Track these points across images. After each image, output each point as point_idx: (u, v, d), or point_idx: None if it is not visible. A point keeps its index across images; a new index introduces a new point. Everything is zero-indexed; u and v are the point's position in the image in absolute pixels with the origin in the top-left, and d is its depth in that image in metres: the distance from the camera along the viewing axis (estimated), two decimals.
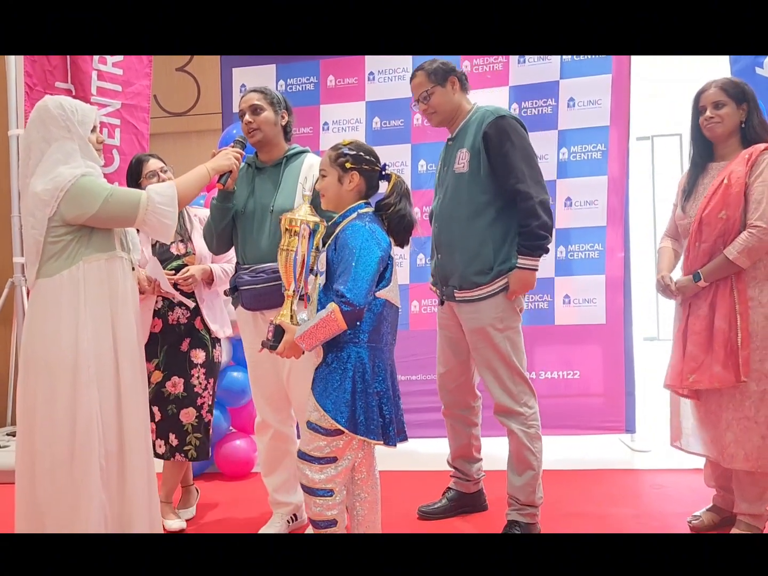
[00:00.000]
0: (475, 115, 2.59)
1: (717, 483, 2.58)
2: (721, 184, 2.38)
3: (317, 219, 2.04)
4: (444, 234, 2.62)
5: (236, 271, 2.62)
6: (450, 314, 2.70)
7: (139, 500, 2.18)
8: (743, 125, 2.42)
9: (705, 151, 2.50)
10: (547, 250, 2.52)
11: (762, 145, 2.37)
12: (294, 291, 2.05)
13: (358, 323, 1.97)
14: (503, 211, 2.51)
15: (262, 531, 2.67)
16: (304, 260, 2.02)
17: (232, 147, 2.50)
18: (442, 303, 2.73)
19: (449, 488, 2.90)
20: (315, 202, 2.24)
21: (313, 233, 2.03)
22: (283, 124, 2.61)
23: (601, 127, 3.90)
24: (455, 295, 2.59)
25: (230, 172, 2.47)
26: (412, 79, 2.64)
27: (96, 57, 3.86)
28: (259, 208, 2.55)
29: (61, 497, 2.07)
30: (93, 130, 2.23)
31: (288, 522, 2.72)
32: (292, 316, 2.04)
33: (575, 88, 3.90)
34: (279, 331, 2.03)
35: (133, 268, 2.31)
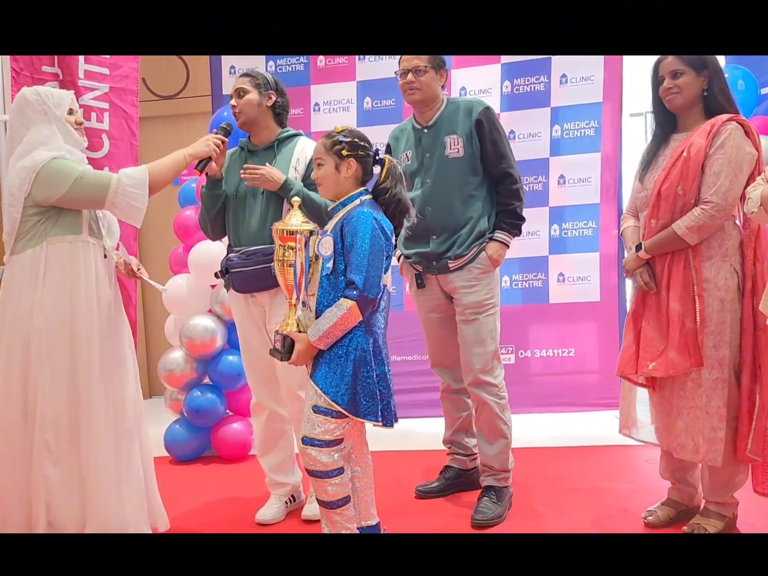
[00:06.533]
0: (454, 105, 2.69)
1: (672, 475, 2.45)
2: (680, 156, 2.22)
3: (311, 226, 2.03)
4: (441, 217, 2.65)
5: (227, 254, 2.62)
6: (436, 290, 2.75)
7: (99, 473, 2.23)
8: (705, 94, 2.24)
9: (667, 122, 2.35)
10: (521, 231, 2.73)
11: (725, 116, 2.20)
12: (296, 300, 2.05)
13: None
14: (489, 188, 2.70)
15: (260, 513, 2.68)
16: (302, 269, 2.01)
17: (215, 134, 2.50)
18: (422, 285, 2.75)
19: (447, 466, 2.93)
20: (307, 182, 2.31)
21: (307, 240, 2.02)
22: (269, 104, 2.58)
23: (594, 103, 3.88)
24: (449, 265, 2.65)
25: (209, 158, 2.46)
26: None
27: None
28: (250, 191, 2.54)
29: (3, 466, 2.21)
30: (71, 114, 2.32)
31: (286, 503, 2.73)
32: (297, 324, 2.04)
33: (568, 64, 3.87)
34: (289, 342, 2.03)
35: (105, 255, 2.34)
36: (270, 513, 2.68)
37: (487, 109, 2.66)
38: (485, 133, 2.62)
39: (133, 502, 2.32)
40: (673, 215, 2.24)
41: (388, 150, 2.82)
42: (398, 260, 2.85)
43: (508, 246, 2.68)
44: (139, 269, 2.51)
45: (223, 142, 2.48)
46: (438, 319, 2.80)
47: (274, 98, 2.59)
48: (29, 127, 2.25)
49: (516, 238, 2.73)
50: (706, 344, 2.19)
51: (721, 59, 3.80)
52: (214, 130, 2.55)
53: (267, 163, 2.51)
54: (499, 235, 2.66)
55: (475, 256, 2.64)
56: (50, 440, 2.18)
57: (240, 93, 2.56)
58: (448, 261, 2.65)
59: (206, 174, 2.56)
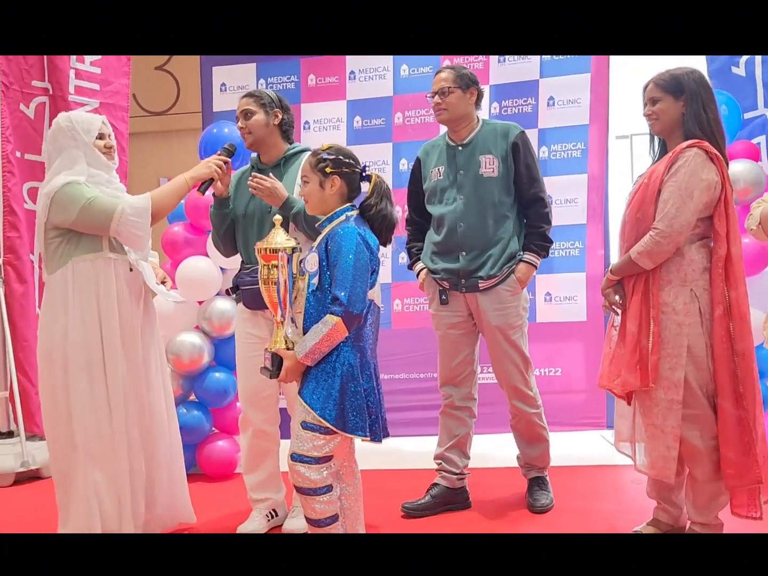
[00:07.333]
0: (490, 126, 2.79)
1: (658, 495, 2.44)
2: (643, 182, 2.30)
3: (293, 243, 2.05)
4: (473, 234, 2.72)
5: (240, 270, 2.65)
6: (461, 307, 2.79)
7: (121, 485, 2.38)
8: (685, 119, 2.28)
9: (662, 145, 2.40)
10: (548, 253, 2.81)
11: (685, 143, 2.23)
12: (282, 318, 2.06)
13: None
14: (520, 210, 2.79)
15: (241, 527, 2.65)
16: (286, 287, 2.03)
17: (218, 155, 2.53)
18: (446, 301, 2.78)
19: (434, 484, 2.90)
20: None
21: (290, 257, 2.04)
22: (276, 123, 2.60)
23: (580, 125, 3.94)
24: (479, 285, 2.71)
25: (211, 180, 2.49)
26: (439, 72, 2.76)
27: (74, 56, 3.80)
28: (258, 210, 2.56)
29: (57, 477, 2.38)
30: (101, 138, 2.43)
31: (267, 517, 2.70)
32: (285, 342, 2.06)
33: (555, 86, 3.93)
34: (277, 359, 2.05)
35: (131, 269, 2.44)
36: (251, 527, 2.65)
37: (523, 133, 2.76)
38: (520, 156, 2.71)
39: (163, 503, 2.56)
40: (636, 239, 2.28)
41: (417, 164, 2.90)
42: (417, 275, 2.88)
43: (536, 268, 2.76)
44: (164, 281, 2.62)
45: (225, 162, 2.51)
46: (458, 336, 2.83)
47: (280, 116, 2.60)
48: (61, 152, 2.37)
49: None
50: (663, 366, 2.22)
51: None
52: (218, 151, 2.57)
53: (271, 174, 2.52)
54: (528, 256, 2.73)
55: (505, 278, 2.70)
56: (94, 447, 2.33)
57: (246, 114, 2.57)
58: (479, 281, 2.71)
59: (213, 194, 2.58)
